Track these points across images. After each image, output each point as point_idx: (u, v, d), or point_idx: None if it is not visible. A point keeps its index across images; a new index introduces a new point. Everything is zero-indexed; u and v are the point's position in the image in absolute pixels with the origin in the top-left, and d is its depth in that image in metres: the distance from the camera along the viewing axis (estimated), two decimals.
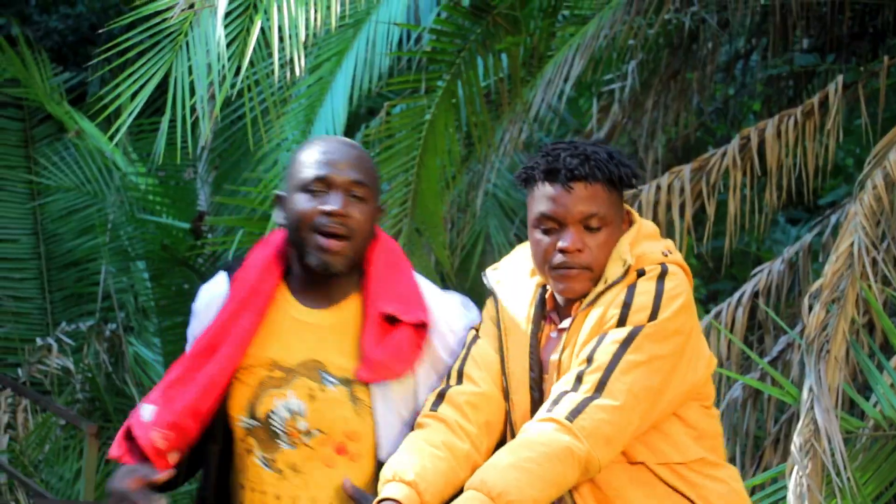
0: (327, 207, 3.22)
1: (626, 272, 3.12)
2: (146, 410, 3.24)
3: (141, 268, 10.34)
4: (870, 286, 5.35)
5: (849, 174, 9.42)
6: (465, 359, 3.24)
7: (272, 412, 3.24)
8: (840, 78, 6.14)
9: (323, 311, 3.30)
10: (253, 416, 3.25)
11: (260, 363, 3.26)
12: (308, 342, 3.28)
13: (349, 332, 3.28)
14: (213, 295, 3.39)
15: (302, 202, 3.25)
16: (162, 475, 3.18)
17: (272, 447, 3.25)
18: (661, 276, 3.11)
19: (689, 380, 3.13)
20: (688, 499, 3.12)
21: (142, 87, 5.98)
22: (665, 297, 3.09)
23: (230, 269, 3.40)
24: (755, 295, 6.38)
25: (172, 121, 5.99)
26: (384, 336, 3.24)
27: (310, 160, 3.29)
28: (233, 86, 6.10)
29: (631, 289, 3.10)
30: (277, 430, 3.24)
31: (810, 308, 5.43)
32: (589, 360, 3.05)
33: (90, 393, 9.85)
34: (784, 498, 5.12)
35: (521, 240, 9.57)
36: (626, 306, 3.08)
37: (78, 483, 8.58)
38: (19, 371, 9.92)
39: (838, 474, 4.96)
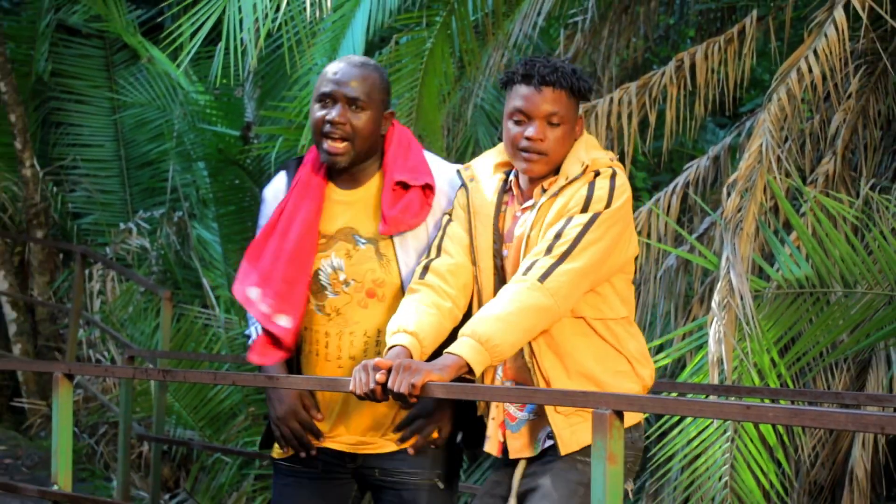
0: (329, 116, 3.32)
1: (584, 171, 3.19)
2: (252, 293, 3.34)
3: (201, 167, 10.32)
4: (775, 177, 5.39)
5: (765, 87, 9.36)
6: (441, 237, 3.32)
7: (319, 269, 3.39)
8: (755, 12, 6.11)
9: (352, 191, 3.41)
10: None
11: None
12: (343, 215, 3.40)
13: (373, 203, 3.40)
14: (276, 189, 3.49)
15: (315, 111, 3.36)
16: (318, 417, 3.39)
17: (322, 296, 3.39)
18: (613, 176, 3.21)
19: (624, 255, 3.25)
20: (613, 347, 3.25)
21: (202, 24, 6.06)
22: (616, 191, 3.19)
23: (287, 168, 3.50)
24: (686, 185, 6.36)
25: (226, 50, 6.07)
26: (399, 198, 3.36)
27: (323, 77, 3.37)
28: (273, 21, 6.17)
29: (591, 185, 3.18)
30: (324, 283, 3.38)
31: (728, 195, 5.49)
32: (557, 235, 3.13)
33: (163, 266, 9.96)
34: (706, 342, 5.18)
35: None
36: (588, 198, 3.16)
37: (156, 336, 8.71)
38: (107, 249, 10.03)
39: (748, 323, 5.05)
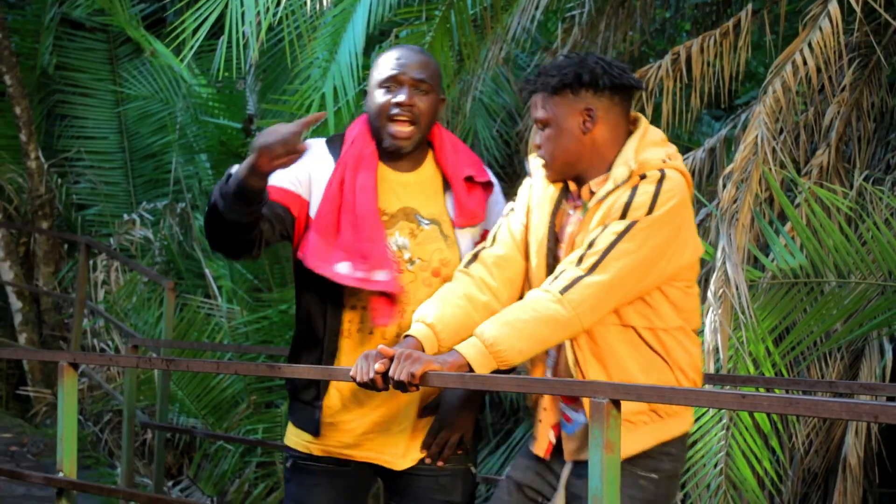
0: (396, 99, 3.31)
1: (630, 175, 3.05)
2: (342, 267, 3.25)
3: (203, 159, 10.30)
4: (770, 169, 5.37)
5: (760, 80, 9.33)
6: (500, 227, 3.26)
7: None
8: (750, 5, 6.09)
9: (408, 174, 3.39)
10: None
11: None
12: (401, 195, 3.37)
13: (430, 187, 3.39)
14: (315, 154, 3.35)
15: (378, 97, 3.33)
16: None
17: None
18: (660, 180, 3.04)
19: (674, 264, 3.10)
20: (661, 357, 3.12)
21: (205, 19, 6.05)
22: (661, 197, 3.02)
23: (331, 142, 3.42)
24: None
25: (228, 43, 6.07)
26: (470, 192, 3.38)
27: (385, 63, 3.34)
28: (274, 15, 6.17)
29: (634, 189, 3.04)
30: None
31: (724, 186, 5.46)
32: (591, 244, 3.03)
33: (166, 257, 9.93)
34: (703, 331, 5.13)
35: (501, 135, 9.68)
36: (627, 204, 3.02)
37: (159, 325, 8.70)
38: (111, 240, 10.00)
39: (743, 313, 5.02)
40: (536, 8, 7.32)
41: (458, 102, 8.24)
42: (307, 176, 3.36)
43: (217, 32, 6.49)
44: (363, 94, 7.76)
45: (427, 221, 3.37)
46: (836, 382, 4.44)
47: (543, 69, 3.18)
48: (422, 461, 3.39)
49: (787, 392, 4.64)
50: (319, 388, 3.40)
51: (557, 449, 3.24)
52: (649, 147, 3.12)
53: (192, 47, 6.01)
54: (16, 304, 10.04)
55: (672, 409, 3.13)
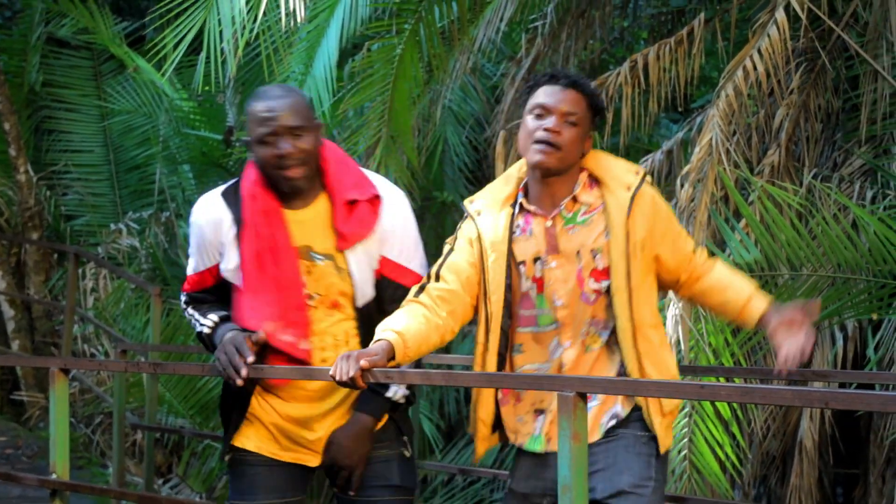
0: (279, 151, 3.24)
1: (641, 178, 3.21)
2: (269, 326, 3.30)
3: (186, 169, 10.31)
4: (724, 169, 5.40)
5: (715, 83, 9.35)
6: (441, 265, 3.22)
7: None
8: (702, 15, 6.14)
9: (302, 210, 3.34)
10: None
11: None
12: (298, 234, 3.32)
13: (322, 222, 3.33)
14: (216, 218, 3.37)
15: (261, 150, 3.26)
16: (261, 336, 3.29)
17: None
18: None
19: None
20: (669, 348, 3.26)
21: (184, 35, 6.02)
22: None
23: (225, 196, 3.38)
24: None
25: (207, 59, 6.05)
26: (350, 214, 3.32)
27: (255, 119, 3.27)
28: (251, 31, 6.15)
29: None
30: None
31: (682, 186, 5.50)
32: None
33: (152, 264, 9.90)
34: (664, 325, 5.17)
35: (470, 141, 9.69)
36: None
37: (147, 330, 8.65)
38: (99, 249, 9.98)
39: (702, 305, 5.09)
40: (501, 20, 7.34)
41: (428, 111, 8.25)
42: (214, 240, 3.37)
43: (197, 48, 6.46)
44: (338, 104, 7.77)
45: (321, 257, 3.33)
46: (790, 371, 4.45)
47: (573, 74, 3.23)
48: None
49: (745, 381, 4.68)
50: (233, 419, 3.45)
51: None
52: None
53: (171, 63, 5.99)
54: (8, 312, 9.98)
55: None
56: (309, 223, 3.34)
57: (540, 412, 3.21)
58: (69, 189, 10.81)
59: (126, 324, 8.99)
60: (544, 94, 3.18)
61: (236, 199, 3.36)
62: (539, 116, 3.17)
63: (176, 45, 5.93)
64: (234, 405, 3.44)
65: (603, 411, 3.14)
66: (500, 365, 3.21)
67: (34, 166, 10.41)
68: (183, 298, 3.49)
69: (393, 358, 3.06)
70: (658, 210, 3.18)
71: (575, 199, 3.19)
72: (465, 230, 3.27)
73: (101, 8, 10.46)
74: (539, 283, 3.18)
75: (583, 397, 2.76)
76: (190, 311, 3.45)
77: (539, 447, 3.19)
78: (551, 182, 3.19)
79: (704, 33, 6.16)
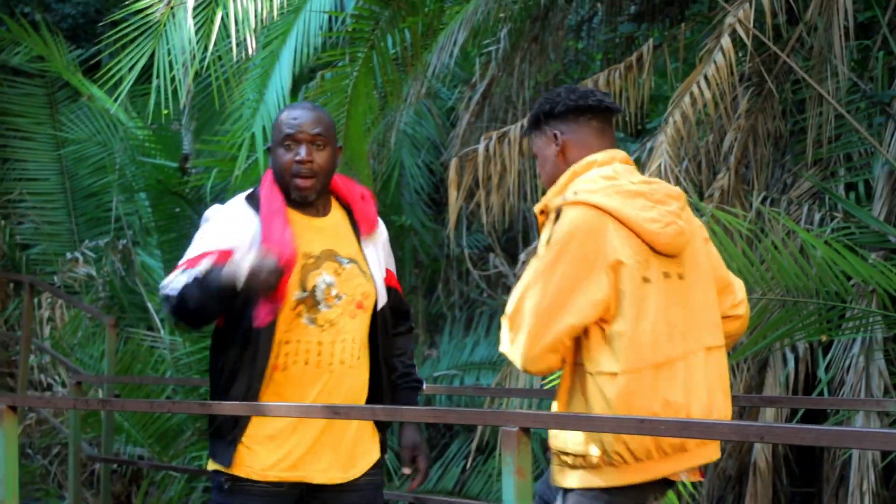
0: (299, 157, 3.44)
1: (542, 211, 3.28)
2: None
3: (143, 197, 10.20)
4: None
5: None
6: None
7: (315, 286, 3.46)
8: (650, 41, 6.20)
9: (321, 219, 3.53)
10: (304, 290, 3.43)
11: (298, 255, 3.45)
12: (321, 239, 3.50)
13: (343, 231, 3.55)
14: (235, 214, 3.48)
15: (281, 155, 3.47)
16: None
17: (315, 310, 3.45)
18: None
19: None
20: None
21: (135, 64, 6.03)
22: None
23: (250, 199, 3.53)
24: None
25: (159, 87, 6.05)
26: (365, 205, 3.58)
27: (282, 122, 3.48)
28: (202, 61, 6.15)
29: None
30: (319, 298, 3.46)
31: None
32: None
33: (109, 292, 9.82)
34: None
35: (427, 165, 9.71)
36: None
37: (103, 361, 8.57)
38: (55, 278, 9.88)
39: None
40: (455, 45, 7.38)
41: (383, 137, 8.27)
42: (237, 230, 3.46)
43: (151, 76, 6.46)
44: None
45: (347, 261, 3.52)
46: (738, 397, 4.50)
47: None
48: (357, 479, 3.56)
49: None
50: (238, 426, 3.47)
51: None
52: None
53: (123, 90, 5.99)
54: None
55: (613, 458, 3.05)
56: (330, 230, 3.54)
57: None
58: (24, 218, 10.71)
59: (83, 353, 8.93)
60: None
61: (257, 201, 3.51)
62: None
63: (129, 71, 5.94)
64: (228, 428, 3.47)
65: None
66: None
67: None
68: (173, 274, 3.41)
69: None
70: None
71: None
72: None
73: (55, 35, 10.41)
74: None
75: (526, 432, 2.78)
76: (178, 275, 3.37)
77: None
78: None
79: (654, 59, 6.21)
